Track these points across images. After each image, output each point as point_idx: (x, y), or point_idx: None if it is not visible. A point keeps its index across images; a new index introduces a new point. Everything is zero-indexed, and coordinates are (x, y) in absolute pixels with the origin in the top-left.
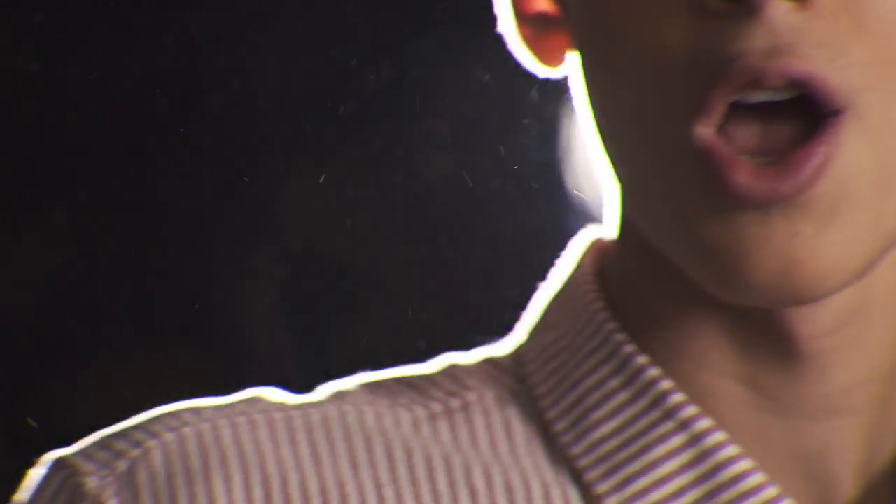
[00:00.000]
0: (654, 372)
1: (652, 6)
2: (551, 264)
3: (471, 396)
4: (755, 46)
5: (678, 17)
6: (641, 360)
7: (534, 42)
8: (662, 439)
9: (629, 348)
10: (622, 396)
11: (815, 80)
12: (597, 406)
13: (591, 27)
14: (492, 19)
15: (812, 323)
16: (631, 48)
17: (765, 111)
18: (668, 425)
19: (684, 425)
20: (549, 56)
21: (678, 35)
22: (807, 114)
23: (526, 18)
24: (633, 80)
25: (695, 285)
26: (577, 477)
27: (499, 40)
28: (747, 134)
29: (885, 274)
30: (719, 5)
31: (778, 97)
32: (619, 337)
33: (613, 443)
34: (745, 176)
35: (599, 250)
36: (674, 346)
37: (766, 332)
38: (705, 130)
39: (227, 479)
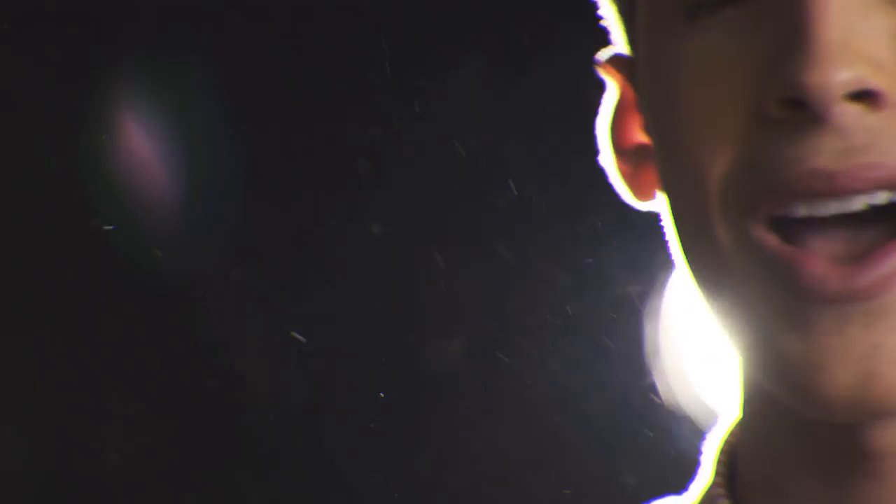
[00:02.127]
0: None
1: (712, 117)
2: None
3: None
4: (824, 149)
5: (736, 128)
6: None
7: (630, 177)
8: None
9: None
10: None
11: None
12: None
13: (659, 145)
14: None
15: (892, 440)
16: (688, 159)
17: (839, 224)
18: None
19: None
20: (643, 189)
21: (736, 141)
22: (890, 217)
23: (624, 153)
24: (691, 190)
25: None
26: None
27: None
28: (824, 244)
29: None
30: (781, 113)
31: (850, 207)
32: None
33: None
34: (817, 267)
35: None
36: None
37: (845, 453)
38: (761, 232)
39: None
